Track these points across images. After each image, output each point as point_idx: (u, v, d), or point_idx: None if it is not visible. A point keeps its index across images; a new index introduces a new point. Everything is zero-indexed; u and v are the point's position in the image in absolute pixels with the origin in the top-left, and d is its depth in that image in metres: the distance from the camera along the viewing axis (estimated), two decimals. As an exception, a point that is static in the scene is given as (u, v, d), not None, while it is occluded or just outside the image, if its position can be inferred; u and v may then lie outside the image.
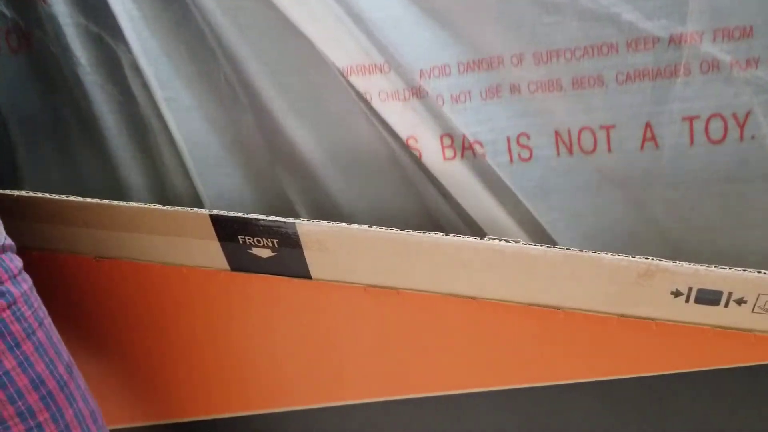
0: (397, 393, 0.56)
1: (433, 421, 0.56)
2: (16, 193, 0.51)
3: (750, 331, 0.45)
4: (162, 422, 0.63)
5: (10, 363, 0.41)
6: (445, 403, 0.54)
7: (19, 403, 0.42)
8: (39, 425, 0.43)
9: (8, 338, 0.41)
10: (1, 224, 0.44)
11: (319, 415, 0.58)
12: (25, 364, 0.42)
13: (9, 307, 0.42)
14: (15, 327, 0.42)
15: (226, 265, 0.51)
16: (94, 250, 0.54)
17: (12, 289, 0.43)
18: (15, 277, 0.43)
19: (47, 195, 0.51)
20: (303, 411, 0.59)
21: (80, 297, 0.58)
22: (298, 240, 0.48)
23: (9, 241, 0.44)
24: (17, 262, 0.44)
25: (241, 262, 0.51)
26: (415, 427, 0.57)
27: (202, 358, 0.58)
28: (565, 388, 0.51)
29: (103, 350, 0.60)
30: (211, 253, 0.51)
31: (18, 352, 0.42)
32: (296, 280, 0.51)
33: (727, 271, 0.42)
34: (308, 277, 0.50)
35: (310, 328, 0.54)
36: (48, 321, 0.46)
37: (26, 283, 0.45)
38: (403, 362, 0.54)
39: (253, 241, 0.49)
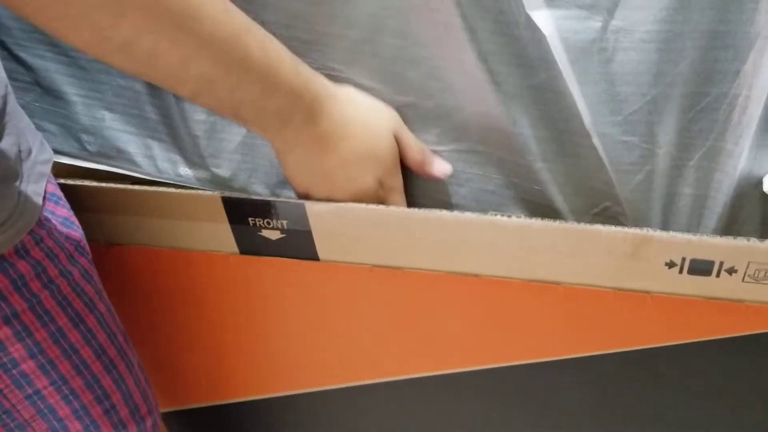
0: (403, 372, 0.57)
1: (437, 400, 0.58)
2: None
3: (741, 301, 0.47)
4: (171, 409, 0.64)
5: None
6: (449, 381, 0.56)
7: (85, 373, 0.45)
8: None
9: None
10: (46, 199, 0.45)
11: (326, 397, 0.60)
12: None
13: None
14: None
15: (236, 249, 0.53)
16: (105, 236, 0.56)
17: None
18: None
19: (60, 180, 0.53)
20: (310, 393, 0.60)
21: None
22: (307, 221, 0.50)
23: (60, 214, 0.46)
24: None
25: (250, 244, 0.52)
26: (420, 405, 0.58)
27: (211, 342, 0.59)
28: (566, 363, 0.53)
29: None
30: (220, 237, 0.52)
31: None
32: (304, 262, 0.52)
33: (718, 239, 0.44)
34: (316, 258, 0.52)
35: (318, 309, 0.55)
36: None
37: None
38: (408, 341, 0.55)
39: (263, 223, 0.50)
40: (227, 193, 0.50)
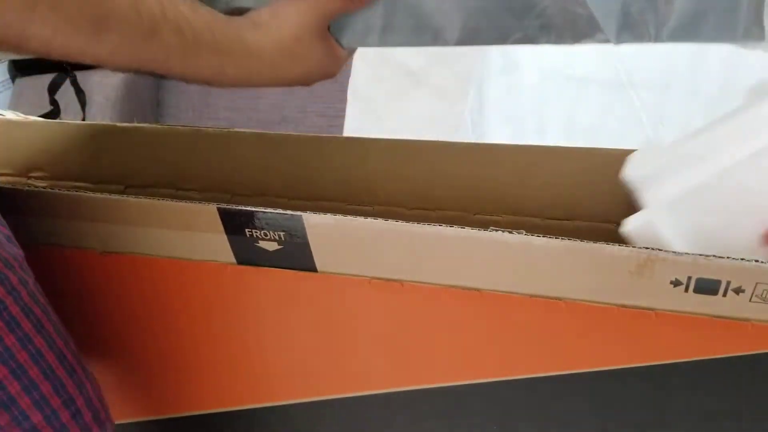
0: (401, 384, 0.56)
1: (438, 412, 0.57)
2: (25, 188, 0.52)
3: (747, 320, 0.46)
4: (168, 416, 0.64)
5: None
6: (449, 394, 0.55)
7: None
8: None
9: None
10: None
11: (323, 408, 0.59)
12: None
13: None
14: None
15: (233, 259, 0.52)
16: (100, 244, 0.55)
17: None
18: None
19: (56, 190, 0.52)
20: (307, 403, 0.59)
21: (85, 292, 0.58)
22: (305, 233, 0.49)
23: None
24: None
25: (247, 255, 0.51)
26: (420, 417, 0.58)
27: (207, 352, 0.59)
28: (567, 378, 0.52)
29: (107, 345, 0.61)
30: (217, 247, 0.51)
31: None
32: (302, 273, 0.51)
33: (726, 260, 0.43)
34: (314, 269, 0.51)
35: (316, 321, 0.54)
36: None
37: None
38: (407, 354, 0.54)
39: (260, 234, 0.50)
40: (223, 205, 0.49)
